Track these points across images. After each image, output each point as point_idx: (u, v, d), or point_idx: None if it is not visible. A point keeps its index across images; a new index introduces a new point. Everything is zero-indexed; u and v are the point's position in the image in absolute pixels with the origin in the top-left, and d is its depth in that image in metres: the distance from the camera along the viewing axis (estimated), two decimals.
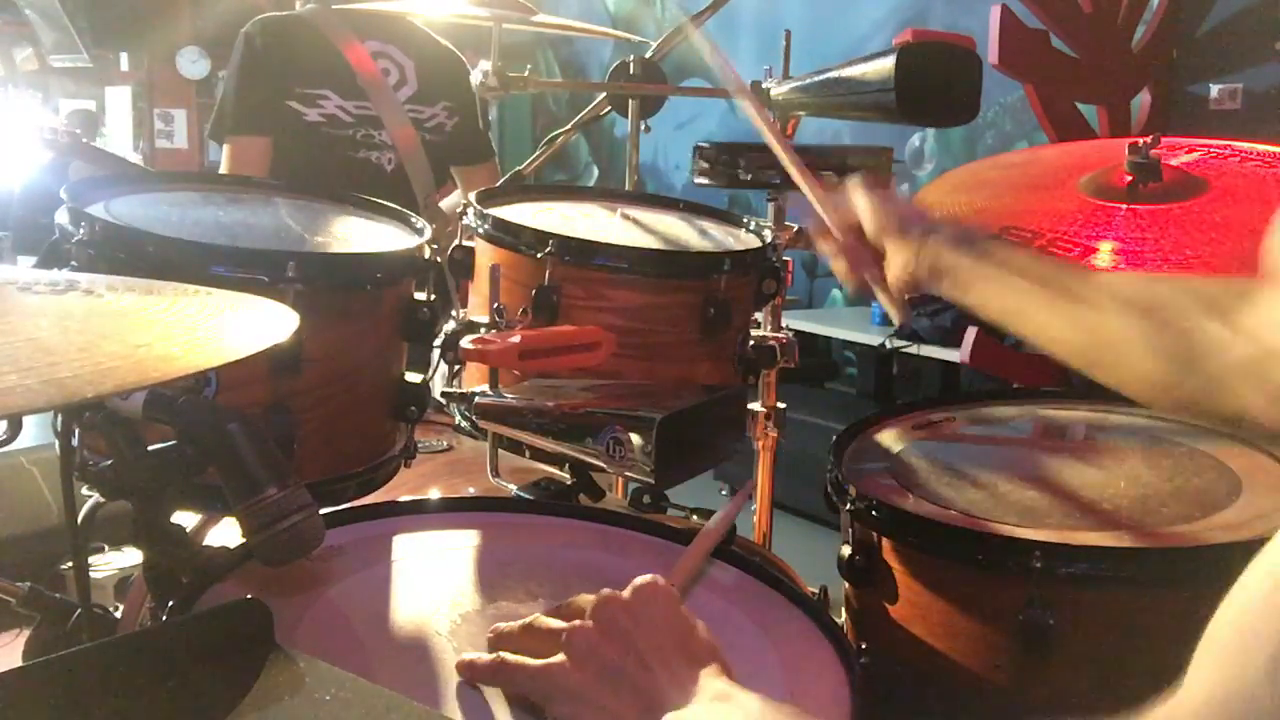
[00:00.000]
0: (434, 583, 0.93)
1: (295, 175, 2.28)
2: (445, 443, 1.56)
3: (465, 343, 1.12)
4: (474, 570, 0.98)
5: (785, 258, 1.37)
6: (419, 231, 1.21)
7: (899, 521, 1.07)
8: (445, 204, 2.52)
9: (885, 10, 4.86)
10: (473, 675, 0.76)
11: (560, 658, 0.72)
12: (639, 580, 0.76)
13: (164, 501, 0.87)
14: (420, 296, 1.15)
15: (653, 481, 1.04)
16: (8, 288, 0.71)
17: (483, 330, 1.16)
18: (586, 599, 0.77)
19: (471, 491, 1.28)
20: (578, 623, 0.74)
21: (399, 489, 1.20)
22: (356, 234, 1.23)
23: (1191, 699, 0.49)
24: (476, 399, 1.16)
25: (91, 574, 1.15)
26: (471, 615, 0.87)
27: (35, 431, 1.07)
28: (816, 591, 1.20)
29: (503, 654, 0.76)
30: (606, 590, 0.76)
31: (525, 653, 0.75)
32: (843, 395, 4.81)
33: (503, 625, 0.79)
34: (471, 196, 1.31)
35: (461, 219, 1.30)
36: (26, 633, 1.15)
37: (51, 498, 2.23)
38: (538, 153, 2.05)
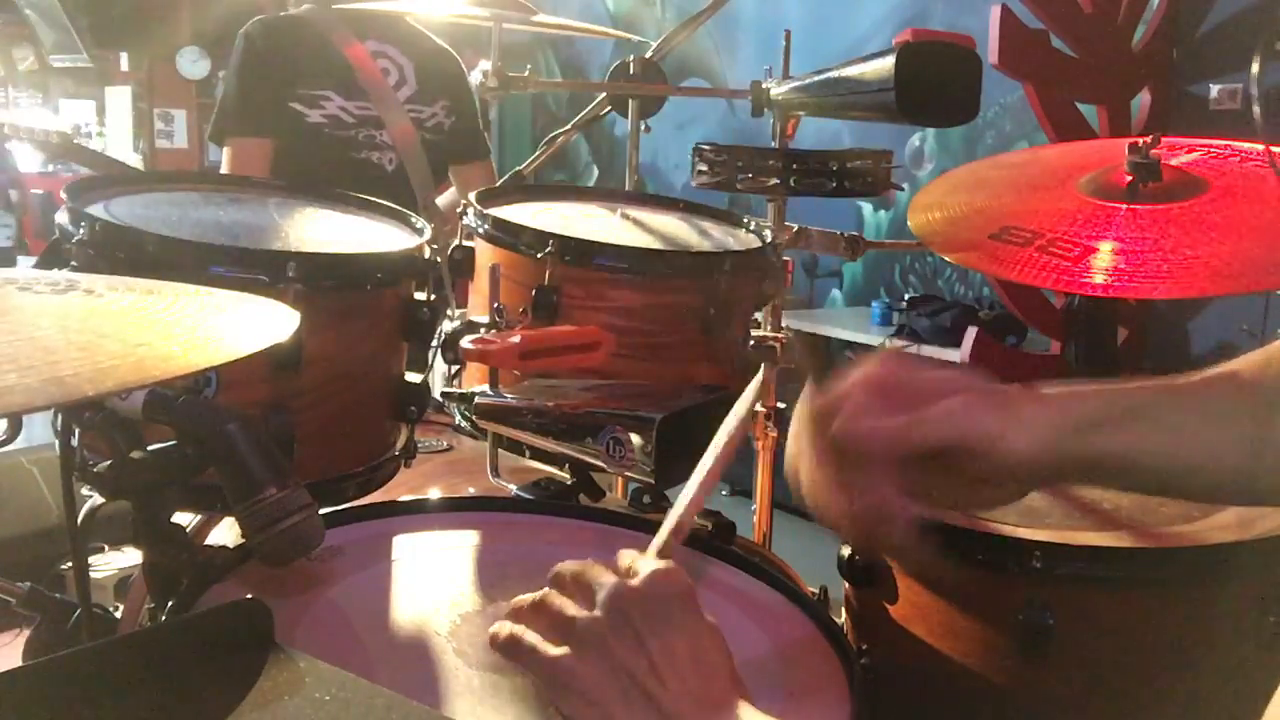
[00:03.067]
0: (434, 583, 0.93)
1: (297, 176, 2.28)
2: (445, 443, 1.56)
3: (465, 343, 1.12)
4: (474, 570, 0.98)
5: (785, 258, 1.37)
6: (419, 231, 1.21)
7: None
8: (440, 202, 2.52)
9: (885, 10, 4.86)
10: (493, 643, 0.75)
11: (572, 650, 0.70)
12: (655, 566, 0.73)
13: (164, 501, 0.87)
14: (420, 296, 1.15)
15: (653, 481, 1.04)
16: (8, 287, 0.71)
17: (483, 330, 1.16)
18: (599, 572, 0.74)
19: (471, 491, 1.28)
20: (590, 615, 0.71)
21: (399, 489, 1.20)
22: (356, 234, 1.23)
23: None
24: (476, 399, 1.16)
25: (91, 574, 1.15)
26: (471, 615, 0.87)
27: (35, 431, 1.07)
28: (816, 591, 1.20)
29: (518, 631, 0.73)
30: (617, 580, 0.73)
31: (538, 628, 0.73)
32: None
33: (524, 597, 0.76)
34: (472, 196, 1.31)
35: (461, 219, 1.30)
36: (26, 633, 1.15)
37: (51, 498, 2.23)
38: (538, 153, 2.05)
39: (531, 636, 0.73)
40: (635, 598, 0.71)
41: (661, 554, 0.80)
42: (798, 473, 0.83)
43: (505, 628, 0.75)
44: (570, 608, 0.73)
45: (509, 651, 0.74)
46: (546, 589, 0.76)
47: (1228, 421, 0.77)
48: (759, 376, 0.99)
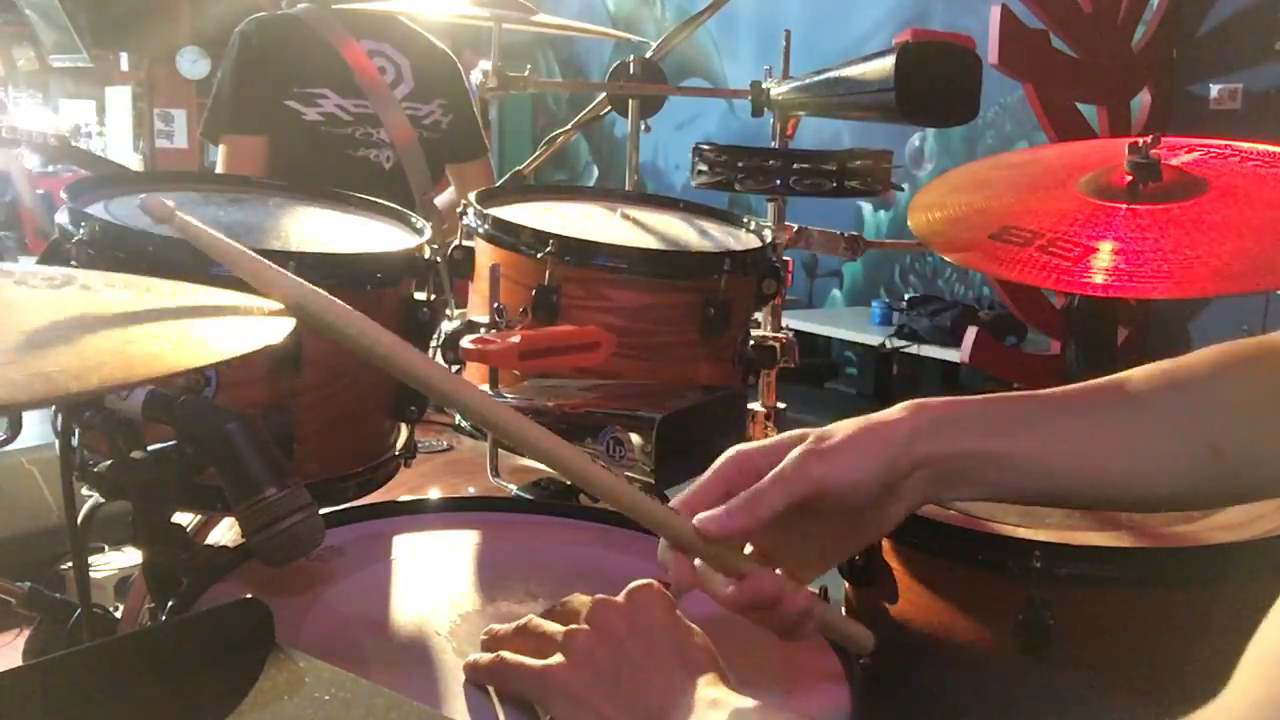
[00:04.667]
0: (434, 583, 0.93)
1: (294, 174, 2.28)
2: (445, 443, 1.56)
3: (465, 343, 1.12)
4: (474, 570, 0.98)
5: (785, 258, 1.37)
6: (419, 231, 1.21)
7: None
8: (438, 201, 2.52)
9: (885, 10, 4.86)
10: (475, 675, 0.77)
11: (558, 659, 0.72)
12: (634, 584, 0.76)
13: (164, 501, 0.87)
14: (420, 296, 1.15)
15: (653, 481, 1.04)
16: (2, 281, 0.71)
17: (483, 330, 1.16)
18: (582, 600, 0.77)
19: (471, 491, 1.28)
20: (574, 626, 0.74)
21: (399, 489, 1.20)
22: (356, 234, 1.23)
23: (1234, 708, 0.48)
24: None
25: (91, 574, 1.15)
26: (471, 615, 0.87)
27: (35, 431, 1.07)
28: (817, 592, 1.20)
29: (503, 653, 0.76)
30: (601, 595, 0.76)
31: (521, 653, 0.75)
32: (843, 395, 4.82)
33: (497, 627, 0.80)
34: (471, 196, 1.31)
35: (461, 219, 1.30)
36: (26, 633, 1.16)
37: (51, 498, 2.23)
38: (538, 153, 2.05)
39: (515, 656, 0.75)
40: (618, 609, 0.75)
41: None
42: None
43: (485, 657, 0.77)
44: (554, 627, 0.76)
45: (495, 677, 0.76)
46: (529, 617, 0.79)
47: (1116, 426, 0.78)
48: None
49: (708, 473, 0.79)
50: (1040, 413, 0.78)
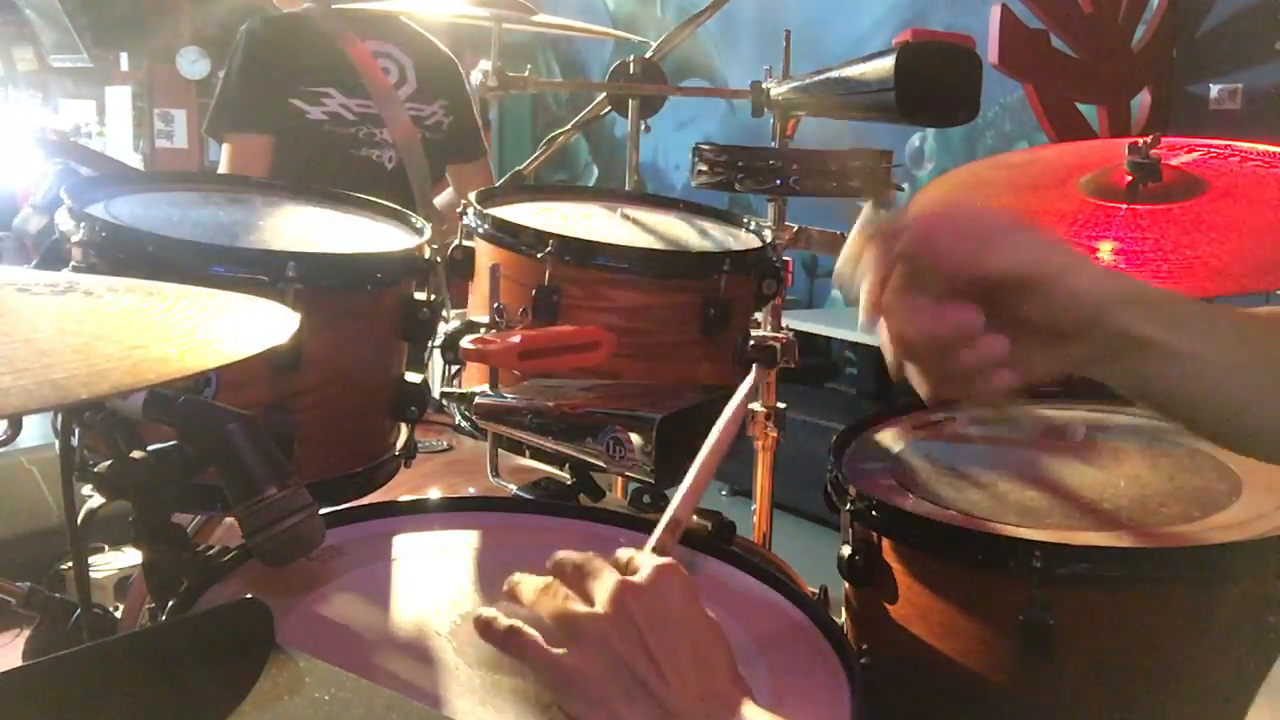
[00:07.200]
0: (434, 583, 0.93)
1: (296, 173, 2.29)
2: (445, 443, 1.56)
3: (465, 343, 1.12)
4: (474, 570, 0.98)
5: (785, 258, 1.37)
6: (418, 231, 1.21)
7: (899, 521, 1.07)
8: (437, 202, 2.53)
9: (885, 10, 4.86)
10: (487, 635, 0.75)
11: (572, 648, 0.70)
12: (658, 564, 0.73)
13: (164, 501, 0.87)
14: (420, 296, 1.15)
15: (653, 481, 1.04)
16: (6, 288, 0.71)
17: (483, 330, 1.16)
18: (602, 566, 0.74)
19: (471, 491, 1.28)
20: (591, 611, 0.71)
21: (399, 489, 1.20)
22: (356, 234, 1.23)
23: None
24: (476, 399, 1.16)
25: (91, 574, 1.15)
26: (471, 615, 0.87)
27: (35, 431, 1.07)
28: (816, 591, 1.20)
29: (518, 625, 0.73)
30: (620, 578, 0.73)
31: (542, 610, 0.73)
32: (843, 395, 4.80)
33: (521, 578, 0.77)
34: (471, 196, 1.31)
35: (462, 219, 1.30)
36: (26, 633, 1.15)
37: (51, 498, 2.23)
38: (538, 153, 2.05)
39: (531, 632, 0.73)
40: (638, 594, 0.71)
41: (659, 551, 0.80)
42: (850, 279, 0.81)
43: (502, 619, 0.74)
44: (573, 602, 0.73)
45: (507, 644, 0.74)
46: (549, 579, 0.76)
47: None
48: (751, 375, 0.98)
49: (922, 210, 0.78)
50: (1200, 316, 0.77)
